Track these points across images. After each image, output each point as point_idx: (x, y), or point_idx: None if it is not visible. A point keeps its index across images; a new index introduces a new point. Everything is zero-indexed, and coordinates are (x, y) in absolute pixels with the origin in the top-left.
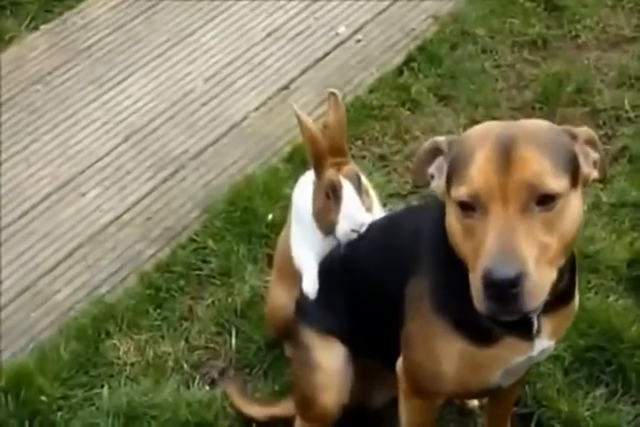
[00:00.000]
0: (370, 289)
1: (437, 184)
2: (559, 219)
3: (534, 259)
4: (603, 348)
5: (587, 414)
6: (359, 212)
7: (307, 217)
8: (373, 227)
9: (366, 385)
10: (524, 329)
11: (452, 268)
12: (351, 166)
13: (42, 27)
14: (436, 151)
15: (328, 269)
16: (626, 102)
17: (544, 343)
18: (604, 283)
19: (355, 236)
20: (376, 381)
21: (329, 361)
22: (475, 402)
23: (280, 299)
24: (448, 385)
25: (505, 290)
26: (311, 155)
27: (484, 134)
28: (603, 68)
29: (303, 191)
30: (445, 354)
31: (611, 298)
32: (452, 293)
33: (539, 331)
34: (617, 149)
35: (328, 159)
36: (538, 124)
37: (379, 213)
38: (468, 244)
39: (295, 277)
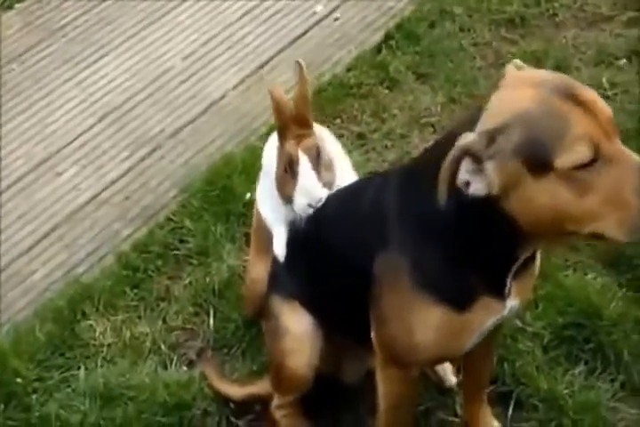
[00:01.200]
0: (331, 263)
1: (480, 186)
2: None
3: None
4: (581, 325)
5: (566, 391)
6: (315, 187)
7: (272, 176)
8: (333, 200)
9: (338, 357)
10: (498, 290)
11: (428, 241)
12: (312, 139)
13: (16, 5)
14: (459, 160)
15: (293, 237)
16: (604, 80)
17: (513, 302)
18: (582, 260)
19: (310, 210)
20: (348, 354)
21: (295, 325)
22: (453, 380)
23: (259, 273)
24: (426, 354)
25: None
26: (276, 122)
27: (545, 96)
28: (580, 47)
29: (272, 150)
30: (426, 326)
31: (589, 276)
32: (432, 266)
33: (509, 291)
34: None
35: (291, 129)
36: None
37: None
38: (590, 202)
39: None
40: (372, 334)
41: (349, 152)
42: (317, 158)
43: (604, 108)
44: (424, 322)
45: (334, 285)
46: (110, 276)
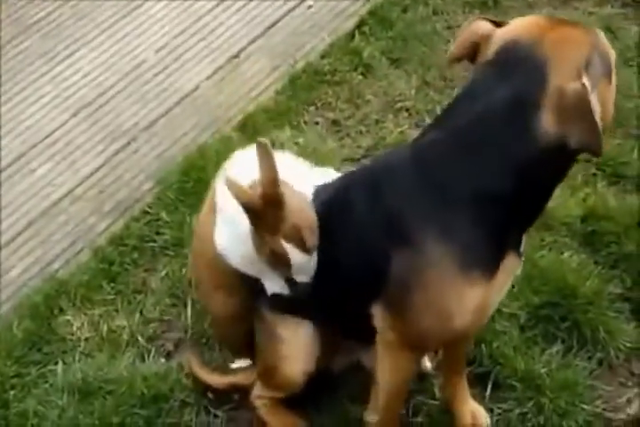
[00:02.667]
0: (333, 270)
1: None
2: None
3: None
4: (557, 304)
5: (543, 370)
6: (310, 261)
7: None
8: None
9: (329, 351)
10: (518, 242)
11: (464, 224)
12: (287, 223)
13: None
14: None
15: None
16: None
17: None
18: (557, 240)
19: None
20: (338, 346)
21: (293, 335)
22: (428, 365)
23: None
24: (456, 333)
25: None
26: (249, 215)
27: (583, 30)
28: None
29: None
30: (467, 306)
31: (565, 254)
32: (472, 247)
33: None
34: None
35: (265, 218)
36: None
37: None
38: None
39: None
40: (380, 319)
41: (324, 139)
42: (301, 240)
43: None
44: (465, 303)
45: (336, 288)
46: (86, 270)
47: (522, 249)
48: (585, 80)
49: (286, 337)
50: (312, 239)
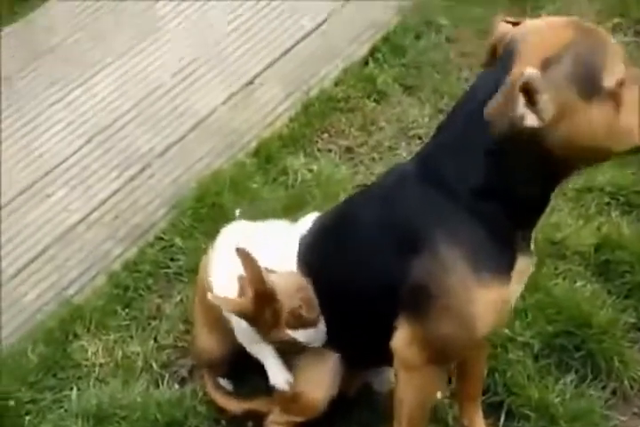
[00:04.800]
0: (344, 290)
1: (534, 118)
2: None
3: None
4: (571, 333)
5: (557, 400)
6: (318, 333)
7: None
8: (335, 217)
9: (349, 375)
10: (527, 245)
11: (469, 227)
12: (283, 314)
13: (5, 28)
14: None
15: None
16: None
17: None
18: (571, 268)
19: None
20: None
21: (319, 361)
22: (438, 394)
23: (206, 342)
24: (476, 341)
25: None
26: (253, 324)
27: (579, 32)
28: None
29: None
30: (485, 310)
31: (578, 283)
32: (481, 248)
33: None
34: None
35: (263, 318)
36: None
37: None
38: (626, 116)
39: (221, 319)
40: (399, 340)
41: (337, 166)
42: (304, 320)
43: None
44: (482, 306)
45: (353, 310)
46: (101, 296)
47: (532, 248)
48: (529, 69)
49: (312, 363)
50: (314, 313)
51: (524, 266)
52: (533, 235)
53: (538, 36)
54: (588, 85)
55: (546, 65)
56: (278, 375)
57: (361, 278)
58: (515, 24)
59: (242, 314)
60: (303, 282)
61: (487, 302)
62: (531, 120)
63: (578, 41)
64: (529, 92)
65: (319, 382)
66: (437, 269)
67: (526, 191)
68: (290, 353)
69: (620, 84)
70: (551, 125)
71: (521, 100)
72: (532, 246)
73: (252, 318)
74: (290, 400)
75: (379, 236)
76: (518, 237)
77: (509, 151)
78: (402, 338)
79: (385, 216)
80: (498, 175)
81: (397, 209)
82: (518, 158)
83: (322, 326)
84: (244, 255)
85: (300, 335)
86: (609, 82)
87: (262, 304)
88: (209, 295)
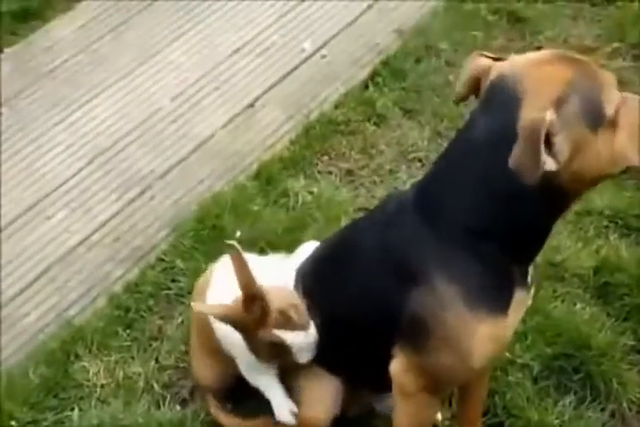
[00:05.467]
0: (344, 309)
1: (551, 161)
2: None
3: None
4: (570, 356)
5: (556, 422)
6: (308, 339)
7: (252, 360)
8: (334, 246)
9: (350, 395)
10: (524, 278)
11: (465, 263)
12: (272, 313)
13: (6, 50)
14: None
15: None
16: None
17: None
18: (570, 291)
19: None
20: (353, 394)
21: (320, 380)
22: (439, 417)
23: (205, 372)
24: (472, 372)
25: None
26: (237, 329)
27: (573, 67)
28: None
29: (233, 338)
30: (482, 344)
31: (577, 306)
32: (477, 284)
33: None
34: None
35: (250, 321)
36: None
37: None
38: (622, 139)
39: (218, 350)
40: (397, 367)
41: (337, 189)
42: (290, 320)
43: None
44: (478, 340)
45: (351, 337)
46: (102, 317)
47: (529, 281)
48: (549, 114)
49: (314, 384)
50: (302, 317)
51: (521, 299)
52: (531, 269)
53: (538, 75)
54: (595, 117)
55: (558, 105)
56: (283, 407)
57: (360, 305)
58: (495, 59)
59: (229, 318)
60: (293, 292)
61: (483, 336)
62: (549, 164)
63: (577, 76)
64: (547, 137)
65: (321, 403)
66: (434, 303)
67: (528, 228)
68: (289, 370)
69: (617, 109)
70: (565, 164)
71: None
72: (530, 278)
73: (240, 322)
74: None
75: (379, 262)
76: (516, 273)
77: (515, 194)
78: (399, 365)
79: (385, 244)
80: (499, 217)
81: (396, 238)
82: (525, 199)
83: (312, 331)
84: (236, 257)
85: (289, 337)
86: (610, 110)
87: (251, 305)
88: (192, 304)
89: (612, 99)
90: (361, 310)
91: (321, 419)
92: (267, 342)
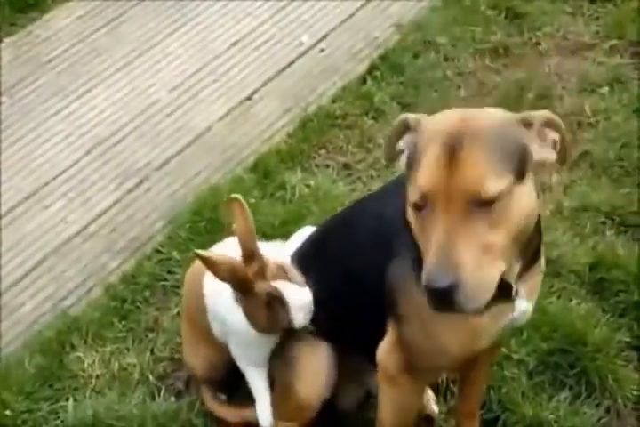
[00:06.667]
0: (340, 281)
1: (404, 162)
2: (502, 217)
3: (474, 263)
4: (566, 351)
5: (551, 417)
6: (304, 296)
7: (248, 335)
8: (335, 222)
9: (337, 383)
10: (506, 293)
11: None
12: (270, 265)
13: (5, 39)
14: (406, 127)
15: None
16: (586, 108)
17: (523, 305)
18: (566, 287)
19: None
20: (345, 380)
21: (310, 356)
22: (434, 407)
23: (196, 360)
24: (446, 358)
25: (441, 297)
26: (235, 284)
27: (436, 130)
28: (563, 75)
29: (231, 310)
30: (442, 329)
31: (573, 302)
32: None
33: (517, 293)
34: (578, 154)
35: (248, 278)
36: (489, 118)
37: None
38: (420, 237)
39: (209, 336)
40: (382, 347)
41: (334, 182)
42: (285, 273)
43: (464, 178)
44: (441, 324)
45: (348, 304)
46: (98, 308)
47: (516, 295)
48: None
49: (302, 358)
50: (297, 276)
51: (502, 309)
52: (522, 286)
53: None
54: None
55: None
56: (264, 412)
57: (356, 277)
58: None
59: (229, 270)
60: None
61: (445, 322)
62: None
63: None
64: None
65: (312, 378)
66: (400, 275)
67: None
68: (284, 344)
69: None
70: None
71: None
72: (521, 294)
73: (240, 274)
74: (282, 398)
75: (373, 233)
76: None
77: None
78: (385, 345)
79: (378, 214)
80: None
81: (387, 210)
82: None
83: (307, 290)
84: (239, 208)
85: (287, 290)
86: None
87: (250, 259)
88: (196, 251)
89: None
90: (357, 282)
91: (312, 397)
92: (264, 299)
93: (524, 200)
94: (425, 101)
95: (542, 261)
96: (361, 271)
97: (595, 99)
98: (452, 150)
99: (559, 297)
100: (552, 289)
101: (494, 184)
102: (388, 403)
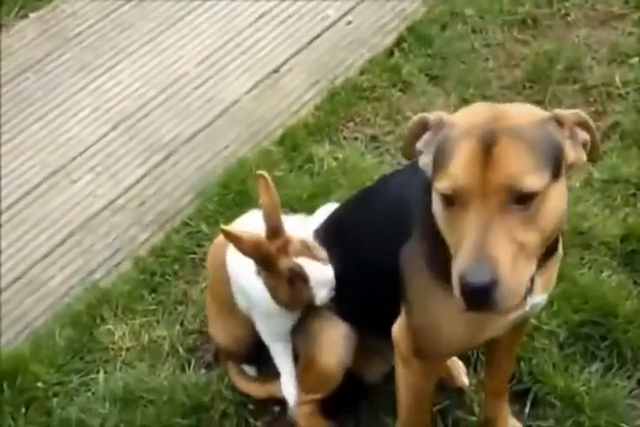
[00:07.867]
0: (359, 262)
1: (425, 162)
2: (538, 215)
3: (511, 260)
4: (597, 323)
5: (582, 389)
6: (325, 272)
7: (270, 308)
8: (355, 201)
9: (361, 356)
10: None
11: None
12: (293, 241)
13: (31, 15)
14: (424, 126)
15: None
16: (616, 78)
17: (536, 298)
18: (597, 258)
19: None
20: (371, 353)
21: (331, 324)
22: (465, 381)
23: (222, 334)
24: (450, 345)
25: (479, 295)
26: (259, 260)
27: (469, 126)
28: (593, 46)
29: (253, 283)
30: (446, 317)
31: (604, 273)
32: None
33: (531, 291)
34: (608, 126)
35: (273, 254)
36: (523, 115)
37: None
38: (450, 233)
39: (234, 309)
40: (396, 326)
41: (362, 155)
42: (308, 249)
43: (503, 173)
44: (445, 312)
45: (366, 286)
46: (128, 280)
47: (529, 291)
48: None
49: (322, 330)
50: (321, 253)
51: None
52: (537, 283)
53: None
54: None
55: None
56: (288, 385)
57: (378, 255)
58: None
59: (254, 245)
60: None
61: (448, 310)
62: None
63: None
64: None
65: (332, 347)
66: (408, 258)
67: None
68: (305, 318)
69: None
70: None
71: None
72: (534, 288)
73: (263, 250)
74: (306, 369)
75: (395, 212)
76: None
77: None
78: (397, 327)
79: (401, 194)
80: None
81: (410, 191)
82: None
83: (330, 267)
84: (265, 183)
85: (310, 266)
86: None
87: (274, 235)
88: (222, 226)
89: None
90: (374, 265)
91: (332, 365)
92: (286, 275)
93: (560, 200)
94: (453, 73)
95: (560, 250)
96: (377, 255)
97: (624, 70)
98: (489, 146)
99: (590, 268)
100: (583, 261)
101: (536, 179)
102: (403, 383)
